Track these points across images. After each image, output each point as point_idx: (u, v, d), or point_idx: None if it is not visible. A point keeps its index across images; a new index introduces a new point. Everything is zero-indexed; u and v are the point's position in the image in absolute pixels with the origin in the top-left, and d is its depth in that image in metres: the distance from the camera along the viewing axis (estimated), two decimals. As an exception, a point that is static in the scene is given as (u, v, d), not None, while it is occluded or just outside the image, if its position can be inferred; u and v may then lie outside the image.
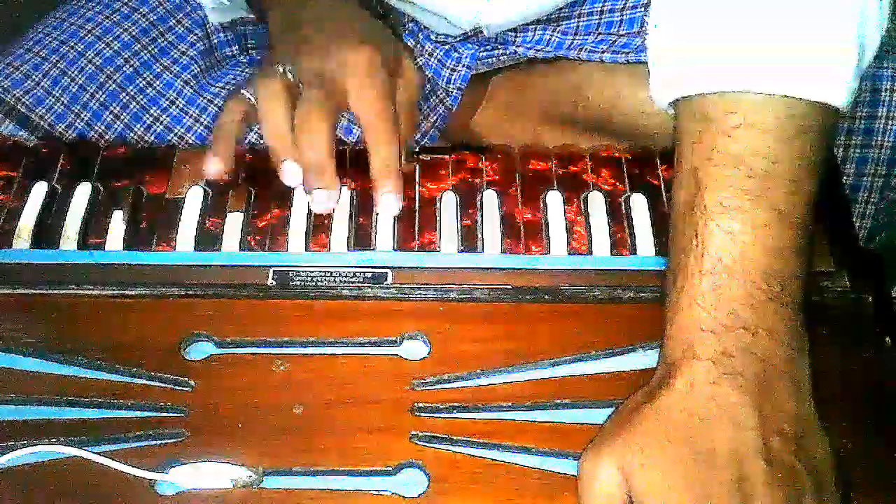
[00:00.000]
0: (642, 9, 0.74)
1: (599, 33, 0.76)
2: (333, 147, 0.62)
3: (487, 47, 0.80)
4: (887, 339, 0.58)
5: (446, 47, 0.80)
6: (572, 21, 0.77)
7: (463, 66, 0.79)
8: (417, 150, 0.70)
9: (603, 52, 0.75)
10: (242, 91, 0.66)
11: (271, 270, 0.61)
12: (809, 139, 0.53)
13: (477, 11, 0.75)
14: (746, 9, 0.54)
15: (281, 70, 0.64)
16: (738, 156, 0.53)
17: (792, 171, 0.53)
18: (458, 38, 0.79)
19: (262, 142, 0.64)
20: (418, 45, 0.80)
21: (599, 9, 0.76)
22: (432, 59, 0.80)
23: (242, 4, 0.77)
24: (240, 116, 0.65)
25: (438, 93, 0.81)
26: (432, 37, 0.80)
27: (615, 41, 0.74)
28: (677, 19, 0.57)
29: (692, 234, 0.53)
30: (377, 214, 0.64)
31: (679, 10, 0.57)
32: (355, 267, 0.61)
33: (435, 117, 0.83)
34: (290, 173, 0.62)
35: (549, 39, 0.77)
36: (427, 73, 0.80)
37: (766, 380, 0.50)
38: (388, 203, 0.63)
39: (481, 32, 0.78)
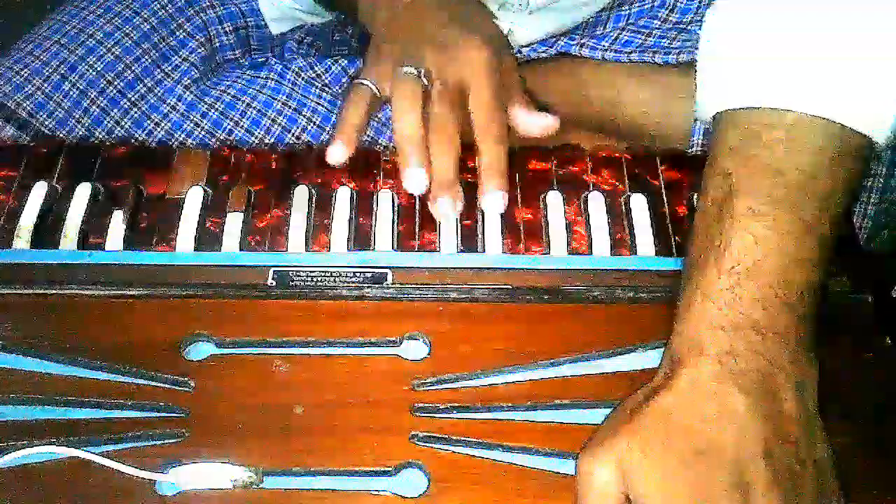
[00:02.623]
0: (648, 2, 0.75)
1: (606, 29, 0.76)
2: (459, 156, 0.63)
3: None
4: (887, 339, 0.58)
5: None
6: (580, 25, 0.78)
7: None
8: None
9: (605, 51, 0.75)
10: (363, 81, 0.67)
11: (271, 270, 0.61)
12: (845, 162, 0.54)
13: (508, 29, 0.75)
14: (799, 32, 0.55)
15: (415, 72, 0.64)
16: (774, 166, 0.53)
17: (824, 188, 0.53)
18: None
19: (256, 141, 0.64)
20: None
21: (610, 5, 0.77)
22: None
23: (312, 7, 0.78)
24: (364, 109, 0.66)
25: None
26: None
27: (617, 37, 0.74)
28: (730, 34, 0.57)
29: (717, 235, 0.53)
30: (376, 213, 0.64)
31: (732, 25, 0.57)
32: (355, 267, 0.61)
33: None
34: (415, 180, 0.63)
35: (556, 43, 0.77)
36: None
37: (770, 381, 0.50)
38: (493, 201, 0.63)
39: None
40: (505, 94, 0.66)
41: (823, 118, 0.53)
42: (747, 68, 0.56)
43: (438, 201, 0.63)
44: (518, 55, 0.79)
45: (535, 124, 0.66)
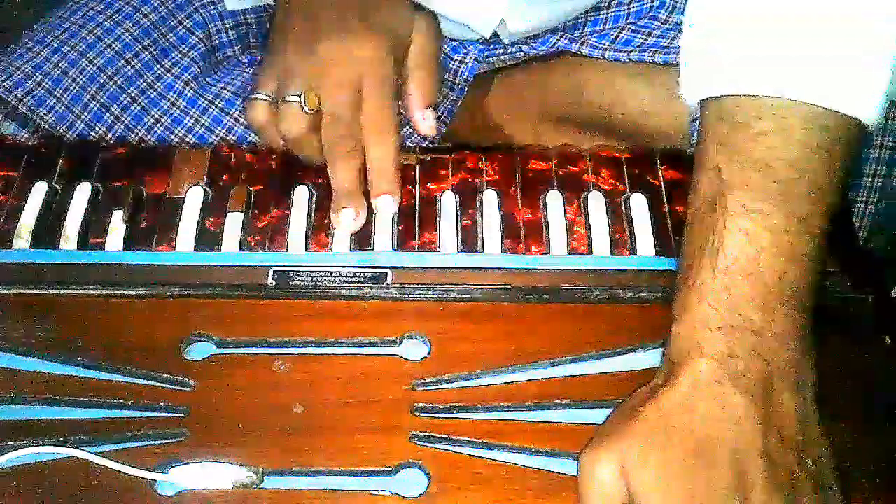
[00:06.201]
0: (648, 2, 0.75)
1: (606, 28, 0.76)
2: (360, 165, 0.64)
3: (490, 46, 0.80)
4: (887, 339, 0.58)
5: (455, 44, 0.80)
6: (580, 19, 0.77)
7: (471, 58, 0.79)
8: (418, 149, 0.70)
9: (605, 50, 0.75)
10: (258, 97, 0.66)
11: (271, 270, 0.61)
12: (836, 151, 0.53)
13: (500, 19, 0.75)
14: (784, 16, 0.54)
15: (297, 100, 0.63)
16: (763, 160, 0.53)
17: (816, 181, 0.53)
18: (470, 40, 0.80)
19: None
20: None
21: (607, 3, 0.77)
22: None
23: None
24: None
25: (443, 90, 0.81)
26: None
27: (617, 37, 0.74)
28: (714, 19, 0.57)
29: (710, 233, 0.53)
30: (376, 214, 0.64)
31: (716, 10, 0.57)
32: (355, 267, 0.61)
33: (441, 111, 0.83)
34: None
35: (556, 43, 0.77)
36: None
37: (770, 381, 0.50)
38: (382, 203, 0.63)
39: (498, 38, 0.78)
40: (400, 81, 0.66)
41: (810, 104, 0.53)
42: (730, 53, 0.55)
43: (341, 213, 0.63)
44: (519, 54, 0.79)
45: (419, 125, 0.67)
